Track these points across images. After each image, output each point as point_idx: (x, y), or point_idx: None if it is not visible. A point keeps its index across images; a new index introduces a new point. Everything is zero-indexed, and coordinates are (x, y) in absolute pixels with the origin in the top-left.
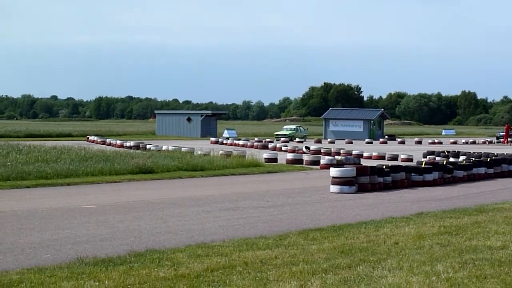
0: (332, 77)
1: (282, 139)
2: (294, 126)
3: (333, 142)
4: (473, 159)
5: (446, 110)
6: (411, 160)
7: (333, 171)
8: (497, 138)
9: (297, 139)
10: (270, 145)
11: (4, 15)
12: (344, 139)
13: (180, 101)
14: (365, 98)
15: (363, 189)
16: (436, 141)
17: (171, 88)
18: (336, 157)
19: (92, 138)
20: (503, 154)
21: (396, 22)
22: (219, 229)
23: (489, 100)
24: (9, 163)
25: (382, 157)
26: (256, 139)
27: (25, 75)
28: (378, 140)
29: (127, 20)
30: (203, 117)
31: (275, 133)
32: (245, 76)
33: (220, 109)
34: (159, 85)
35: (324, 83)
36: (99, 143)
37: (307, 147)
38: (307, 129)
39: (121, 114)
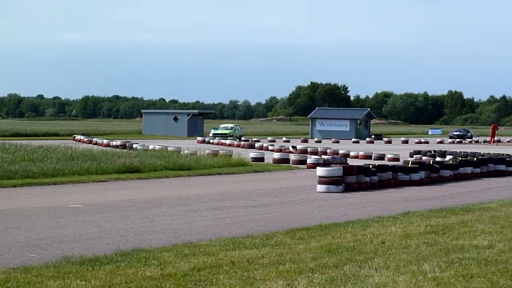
0: (319, 77)
1: (217, 138)
2: (231, 125)
3: (320, 142)
4: (460, 158)
5: (432, 109)
6: (397, 159)
7: (320, 171)
8: (450, 137)
9: (230, 138)
10: (256, 145)
11: None
12: (331, 139)
13: (167, 100)
14: (351, 98)
15: (349, 188)
16: (422, 140)
17: (158, 88)
18: (323, 156)
19: (78, 137)
20: (490, 153)
21: (382, 22)
22: (206, 228)
23: (475, 100)
24: None
25: (368, 157)
26: (243, 138)
27: (12, 74)
28: (365, 139)
29: (114, 19)
30: (189, 116)
31: (213, 132)
32: (232, 76)
33: (207, 109)
34: (145, 84)
35: (311, 83)
36: (86, 142)
37: (293, 147)
38: (242, 128)
39: (108, 113)
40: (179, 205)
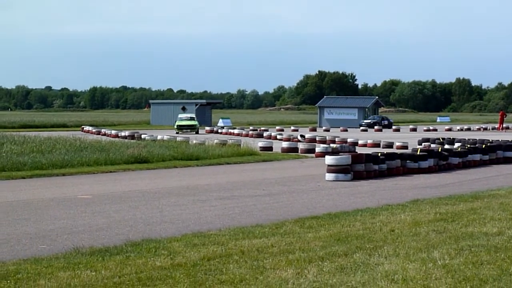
0: (326, 65)
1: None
2: (191, 115)
3: (328, 130)
4: (468, 146)
5: (440, 97)
6: (406, 147)
7: (329, 159)
8: (360, 125)
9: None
10: (265, 134)
11: None
12: (339, 127)
13: (175, 91)
14: (359, 86)
15: (358, 176)
16: (431, 128)
17: (166, 78)
18: (331, 145)
19: (87, 128)
20: (498, 140)
21: (390, 9)
22: (215, 218)
23: (483, 87)
24: (4, 154)
25: (377, 145)
26: (251, 127)
27: (20, 66)
28: (373, 128)
29: (121, 9)
30: (197, 106)
31: (178, 124)
32: (240, 65)
33: (214, 98)
34: (153, 74)
35: (319, 71)
36: (94, 133)
37: (302, 136)
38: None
39: (116, 104)
40: (188, 195)
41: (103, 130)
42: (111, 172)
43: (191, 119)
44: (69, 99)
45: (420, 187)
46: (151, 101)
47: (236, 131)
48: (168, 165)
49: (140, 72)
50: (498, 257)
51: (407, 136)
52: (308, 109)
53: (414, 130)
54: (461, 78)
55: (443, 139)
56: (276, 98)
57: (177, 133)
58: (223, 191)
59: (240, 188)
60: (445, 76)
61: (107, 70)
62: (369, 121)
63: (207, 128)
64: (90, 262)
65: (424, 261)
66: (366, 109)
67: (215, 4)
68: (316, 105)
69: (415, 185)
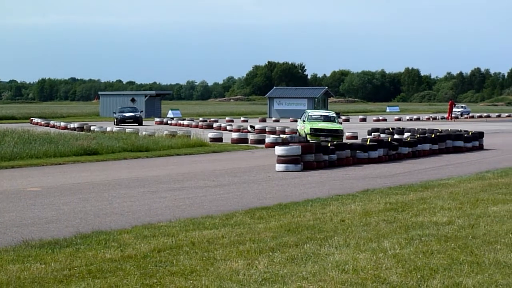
0: (276, 56)
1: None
2: (328, 112)
3: (278, 121)
4: (418, 135)
5: (390, 87)
6: (356, 137)
7: (279, 150)
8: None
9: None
10: (215, 125)
11: None
12: (289, 118)
13: (124, 82)
14: (309, 77)
15: (308, 167)
16: (380, 118)
17: (115, 69)
18: (281, 135)
19: (35, 120)
20: (448, 130)
21: (338, 0)
22: (165, 209)
23: (432, 77)
24: None
25: None
26: (200, 119)
27: None
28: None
29: (69, 0)
30: (147, 97)
31: (312, 127)
32: (189, 56)
33: (164, 90)
34: (102, 66)
35: (268, 62)
36: (43, 125)
37: (252, 126)
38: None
39: (65, 96)
40: (138, 187)
41: (52, 122)
42: (60, 164)
43: (331, 119)
44: (18, 91)
45: (370, 177)
46: (100, 92)
47: (185, 122)
48: (117, 156)
49: (89, 63)
50: (448, 246)
51: (356, 126)
52: (257, 99)
53: (364, 120)
54: (410, 68)
55: (393, 129)
56: (225, 89)
57: (307, 141)
58: (173, 182)
59: (190, 179)
60: (394, 66)
61: (55, 62)
62: None
63: (157, 119)
64: (40, 254)
65: (374, 251)
66: (316, 100)
67: None
68: (266, 95)
69: (365, 175)
